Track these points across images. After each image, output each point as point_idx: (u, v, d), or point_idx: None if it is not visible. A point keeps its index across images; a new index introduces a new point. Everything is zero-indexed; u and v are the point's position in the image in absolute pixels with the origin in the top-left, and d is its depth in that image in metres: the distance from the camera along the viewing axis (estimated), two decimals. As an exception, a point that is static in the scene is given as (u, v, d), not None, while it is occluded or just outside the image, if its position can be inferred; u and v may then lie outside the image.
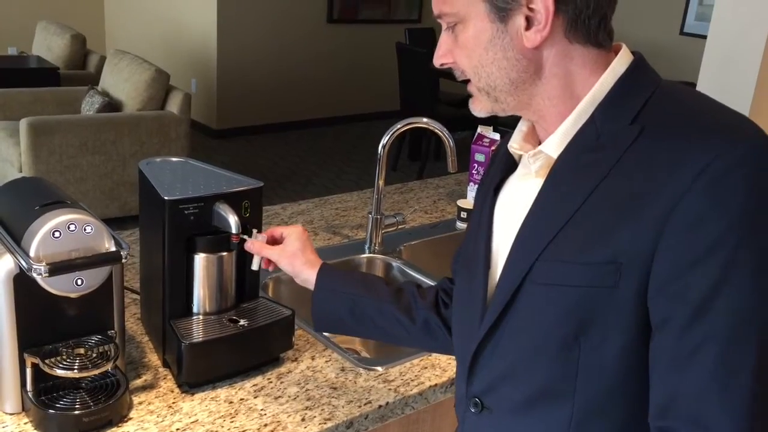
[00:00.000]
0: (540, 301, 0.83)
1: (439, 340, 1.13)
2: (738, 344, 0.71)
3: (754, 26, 2.24)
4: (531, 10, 0.80)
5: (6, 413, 1.13)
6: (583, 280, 0.78)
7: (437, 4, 0.88)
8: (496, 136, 2.08)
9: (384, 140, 1.80)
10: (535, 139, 0.93)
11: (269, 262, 1.24)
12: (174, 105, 4.28)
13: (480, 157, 2.08)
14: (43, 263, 1.03)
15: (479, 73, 0.86)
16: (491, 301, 0.89)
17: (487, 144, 2.08)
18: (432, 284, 1.26)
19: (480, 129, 2.12)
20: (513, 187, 0.94)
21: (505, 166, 0.96)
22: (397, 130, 1.79)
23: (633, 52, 0.86)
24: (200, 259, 1.27)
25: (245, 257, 1.32)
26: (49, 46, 5.40)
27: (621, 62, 0.84)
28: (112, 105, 4.27)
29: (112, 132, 4.04)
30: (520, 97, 0.86)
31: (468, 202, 2.07)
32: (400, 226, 1.88)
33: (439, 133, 1.79)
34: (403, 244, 1.89)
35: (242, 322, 1.28)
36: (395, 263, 1.80)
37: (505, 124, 5.31)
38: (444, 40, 0.89)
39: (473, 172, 2.11)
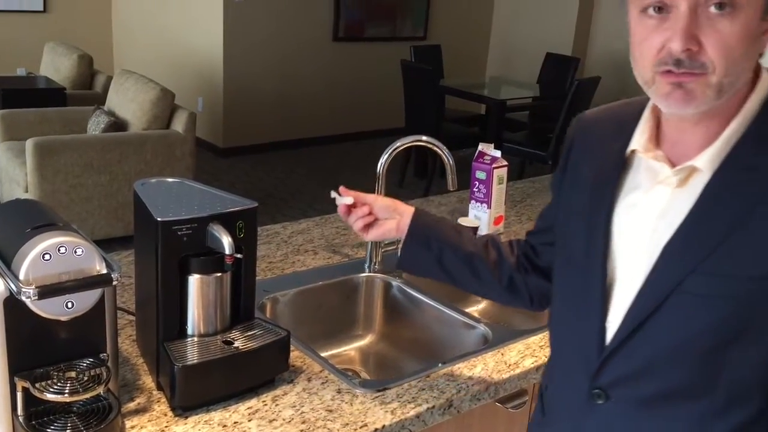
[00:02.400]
0: (689, 311, 0.86)
1: (520, 298, 1.23)
2: None
3: None
4: None
5: (-4, 438, 1.12)
6: (743, 293, 0.83)
7: None
8: (497, 154, 2.07)
9: (383, 158, 1.79)
10: (654, 143, 0.93)
11: (366, 227, 1.29)
12: (179, 124, 4.29)
13: (481, 175, 2.07)
14: (33, 286, 1.02)
15: (732, 71, 0.82)
16: (628, 309, 0.91)
17: (488, 161, 2.06)
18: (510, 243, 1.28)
19: (481, 146, 2.11)
20: (640, 193, 0.94)
21: (610, 161, 0.97)
22: (397, 148, 1.78)
23: None
24: (194, 281, 1.26)
25: (240, 278, 1.31)
26: (56, 66, 5.44)
27: (764, 83, 0.87)
28: (117, 124, 4.28)
29: (118, 151, 4.05)
30: (724, 101, 0.85)
31: (469, 220, 2.05)
32: (400, 245, 1.86)
33: (439, 151, 1.78)
34: (403, 263, 1.87)
35: (237, 343, 1.27)
36: (395, 282, 1.79)
37: (510, 141, 5.30)
38: (695, 20, 0.80)
39: (474, 189, 2.10)
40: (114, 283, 1.10)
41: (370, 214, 1.30)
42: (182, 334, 1.28)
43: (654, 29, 0.83)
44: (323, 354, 1.71)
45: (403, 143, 1.78)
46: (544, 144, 5.23)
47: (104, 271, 1.10)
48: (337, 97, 6.93)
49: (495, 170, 2.04)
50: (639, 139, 0.94)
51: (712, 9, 0.79)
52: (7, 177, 4.27)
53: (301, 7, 6.48)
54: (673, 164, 0.91)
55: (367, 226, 1.30)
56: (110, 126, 4.23)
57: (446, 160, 1.78)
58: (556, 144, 5.07)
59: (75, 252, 1.07)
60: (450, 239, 1.25)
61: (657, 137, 0.94)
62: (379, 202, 1.31)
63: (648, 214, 0.92)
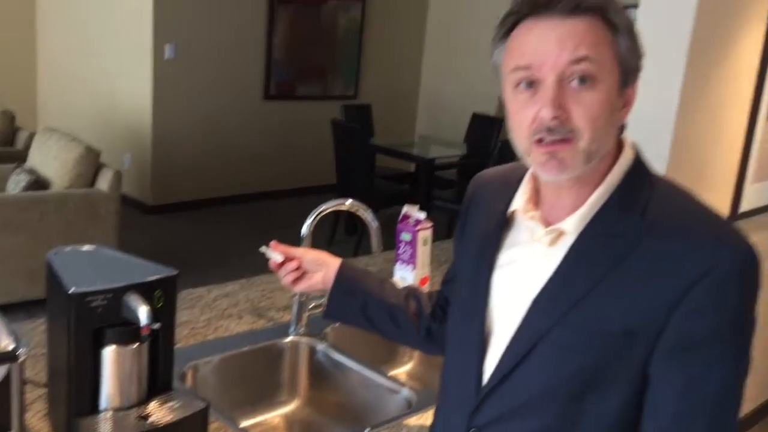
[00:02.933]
0: (553, 360, 0.95)
1: (438, 347, 1.27)
2: (721, 412, 0.90)
3: (664, 103, 2.36)
4: (632, 92, 0.93)
5: None
6: (599, 346, 0.91)
7: (580, 47, 0.88)
8: (422, 215, 2.10)
9: (308, 222, 1.80)
10: (533, 204, 1.02)
11: (295, 281, 1.37)
12: (104, 182, 4.20)
13: (406, 237, 2.09)
14: (-69, 365, 0.98)
15: (596, 137, 0.90)
16: (501, 357, 0.99)
17: (413, 223, 2.09)
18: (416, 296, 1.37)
19: (406, 208, 2.14)
20: (518, 250, 1.03)
21: (494, 220, 1.06)
22: (321, 212, 1.79)
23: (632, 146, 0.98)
24: (109, 353, 1.22)
25: (157, 349, 1.28)
26: (-24, 123, 5.29)
27: (626, 157, 0.96)
28: (39, 183, 4.17)
29: (38, 211, 3.93)
30: (589, 169, 0.94)
31: (396, 281, 2.07)
32: (327, 296, 1.85)
33: (362, 216, 1.80)
34: (329, 326, 1.86)
35: (153, 418, 1.23)
36: (320, 346, 1.77)
37: (439, 198, 5.39)
38: (561, 92, 0.89)
39: (400, 251, 2.12)
40: (20, 360, 1.05)
41: (299, 268, 1.37)
42: (95, 409, 1.23)
43: (526, 103, 0.92)
44: (248, 422, 1.68)
45: (327, 207, 1.79)
46: (472, 201, 5.32)
47: (11, 347, 1.05)
48: (268, 154, 6.94)
49: (419, 232, 2.07)
50: (519, 201, 1.03)
51: (575, 83, 0.89)
52: None
53: (233, 65, 6.51)
54: (548, 224, 0.99)
55: (296, 280, 1.37)
56: (31, 184, 4.11)
57: (370, 224, 1.80)
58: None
59: (-21, 327, 1.03)
60: (373, 290, 1.33)
61: (536, 199, 1.02)
62: (307, 255, 1.38)
63: (523, 270, 1.01)
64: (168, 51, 6.02)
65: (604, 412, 0.93)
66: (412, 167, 6.42)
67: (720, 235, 0.91)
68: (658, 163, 2.36)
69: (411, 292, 1.35)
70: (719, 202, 2.68)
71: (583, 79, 0.88)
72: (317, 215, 1.78)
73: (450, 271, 1.28)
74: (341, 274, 1.34)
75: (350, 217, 5.97)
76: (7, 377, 1.08)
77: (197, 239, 5.70)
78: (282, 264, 1.37)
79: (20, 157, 4.82)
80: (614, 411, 0.93)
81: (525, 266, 1.01)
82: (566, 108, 0.89)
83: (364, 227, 1.77)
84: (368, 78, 7.52)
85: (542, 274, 0.97)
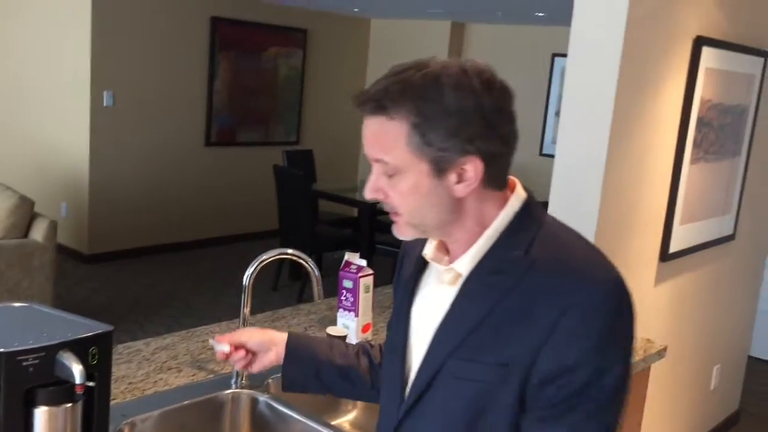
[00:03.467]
0: (450, 390, 1.04)
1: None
2: (593, 424, 0.98)
3: (594, 149, 2.45)
4: (463, 170, 1.00)
5: None
6: (482, 376, 1.00)
7: (375, 151, 1.02)
8: (363, 263, 2.11)
9: (249, 271, 1.80)
10: (444, 248, 1.12)
11: (247, 365, 1.41)
12: (38, 232, 4.10)
13: (348, 284, 2.10)
14: None
15: (413, 214, 1.04)
16: (411, 386, 1.10)
17: (355, 270, 2.10)
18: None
19: (347, 256, 2.15)
20: (429, 290, 1.14)
21: (418, 266, 1.16)
22: (262, 261, 1.79)
23: (524, 188, 1.09)
24: (41, 413, 1.18)
25: (92, 408, 1.25)
26: None
27: (517, 199, 1.07)
28: (-31, 234, 4.03)
29: (-32, 265, 3.80)
30: (444, 230, 1.07)
31: (338, 329, 2.06)
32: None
33: (305, 264, 1.80)
34: (271, 377, 1.84)
35: (87, 479, 1.19)
36: (262, 398, 1.75)
37: (382, 243, 5.42)
38: (378, 178, 1.04)
39: (342, 298, 2.12)
40: (-54, 424, 1.02)
41: (247, 353, 1.41)
42: (26, 472, 1.19)
43: None
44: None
45: (268, 256, 1.79)
46: (415, 245, 5.37)
47: (-64, 412, 1.02)
48: (210, 200, 6.88)
49: (361, 279, 2.09)
50: (429, 247, 1.13)
51: (385, 176, 1.03)
52: None
53: (173, 112, 6.47)
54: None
55: (248, 363, 1.41)
56: (-39, 236, 3.97)
57: (312, 272, 1.81)
58: (426, 244, 5.22)
59: None
60: (323, 356, 1.38)
61: (446, 247, 1.12)
62: (252, 338, 1.41)
63: (431, 308, 1.11)
64: (106, 98, 5.95)
65: None
66: (355, 212, 6.45)
67: (591, 268, 1.01)
68: (591, 207, 2.45)
69: (360, 348, 1.41)
70: (649, 244, 2.77)
71: (387, 173, 1.02)
72: (258, 264, 1.78)
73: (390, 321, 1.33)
74: (290, 349, 1.38)
75: (293, 262, 5.94)
76: (-68, 443, 1.04)
77: (134, 289, 5.57)
78: (230, 354, 1.40)
79: (-50, 208, 4.67)
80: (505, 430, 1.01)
81: (432, 305, 1.11)
82: (385, 191, 1.04)
83: (308, 273, 1.78)
84: (310, 123, 7.57)
85: (443, 312, 1.07)
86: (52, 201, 6.08)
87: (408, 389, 1.11)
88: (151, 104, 6.29)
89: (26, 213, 4.10)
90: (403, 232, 1.07)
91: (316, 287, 1.83)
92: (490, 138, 0.99)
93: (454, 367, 1.03)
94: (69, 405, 1.20)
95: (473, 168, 1.00)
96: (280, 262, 5.77)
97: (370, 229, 5.53)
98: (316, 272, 1.82)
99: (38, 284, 4.06)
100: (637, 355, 2.31)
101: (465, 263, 1.06)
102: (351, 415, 1.97)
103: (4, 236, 4.01)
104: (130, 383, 1.77)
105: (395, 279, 1.26)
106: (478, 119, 0.98)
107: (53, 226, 4.14)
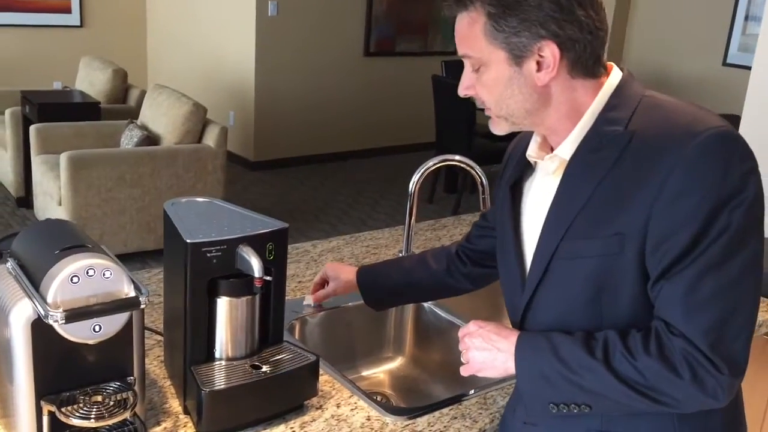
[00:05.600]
0: (567, 271, 1.06)
1: (463, 288, 1.51)
2: (716, 273, 0.96)
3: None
4: (541, 56, 1.02)
5: (22, 462, 1.10)
6: (598, 250, 1.02)
7: (462, 47, 1.07)
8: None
9: (415, 178, 1.77)
10: (547, 147, 1.14)
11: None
12: (211, 138, 4.32)
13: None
14: (60, 310, 1.01)
15: (499, 105, 1.07)
16: (528, 274, 1.13)
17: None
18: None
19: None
20: (536, 185, 1.16)
21: (521, 167, 1.19)
22: (429, 167, 1.76)
23: (622, 69, 1.09)
24: (223, 303, 1.23)
25: (269, 301, 1.29)
26: (91, 80, 5.52)
27: (612, 80, 1.07)
28: (150, 139, 4.32)
29: (150, 165, 4.09)
30: (533, 120, 1.09)
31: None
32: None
33: (471, 170, 1.75)
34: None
35: (265, 368, 1.24)
36: (426, 304, 1.75)
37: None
38: (467, 76, 1.09)
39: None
40: (142, 306, 1.08)
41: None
42: (210, 357, 1.25)
43: None
44: (352, 377, 1.69)
45: (435, 163, 1.75)
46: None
47: (132, 294, 1.08)
48: (367, 111, 6.94)
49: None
50: (532, 146, 1.16)
51: (473, 71, 1.08)
52: (41, 190, 4.33)
53: (333, 23, 6.50)
54: None
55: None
56: (143, 140, 4.27)
57: (479, 179, 1.75)
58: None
59: (104, 275, 1.05)
60: (395, 277, 1.54)
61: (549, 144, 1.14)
62: (334, 271, 1.66)
63: (539, 201, 1.13)
64: (271, 8, 6.08)
65: (618, 310, 1.03)
66: (513, 125, 6.25)
67: (694, 124, 0.98)
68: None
69: (428, 255, 1.53)
70: None
71: (473, 68, 1.07)
72: (425, 171, 1.74)
73: (486, 217, 1.46)
74: (361, 279, 1.56)
75: (450, 175, 5.91)
76: (129, 324, 1.11)
77: (296, 196, 5.79)
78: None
79: (131, 114, 5.01)
80: (626, 308, 1.03)
81: (539, 198, 1.13)
82: (473, 86, 1.08)
83: (464, 185, 1.72)
84: (469, 33, 7.34)
85: (550, 200, 1.09)
86: (220, 110, 6.38)
87: (526, 281, 1.14)
88: (313, 14, 6.35)
89: (199, 120, 4.32)
90: (496, 126, 1.11)
91: (482, 196, 1.78)
92: (565, 22, 1.00)
93: (568, 248, 1.05)
94: (248, 297, 1.25)
95: (550, 53, 1.01)
96: (435, 175, 5.76)
97: (530, 142, 5.35)
98: (484, 180, 1.76)
99: (210, 187, 4.30)
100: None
101: (566, 148, 1.07)
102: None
103: (180, 141, 4.26)
104: (299, 282, 1.82)
105: (497, 183, 1.28)
106: (550, 3, 0.99)
107: (224, 133, 4.34)
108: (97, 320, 1.05)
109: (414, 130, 7.11)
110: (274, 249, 1.25)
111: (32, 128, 4.51)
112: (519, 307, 1.15)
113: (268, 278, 1.22)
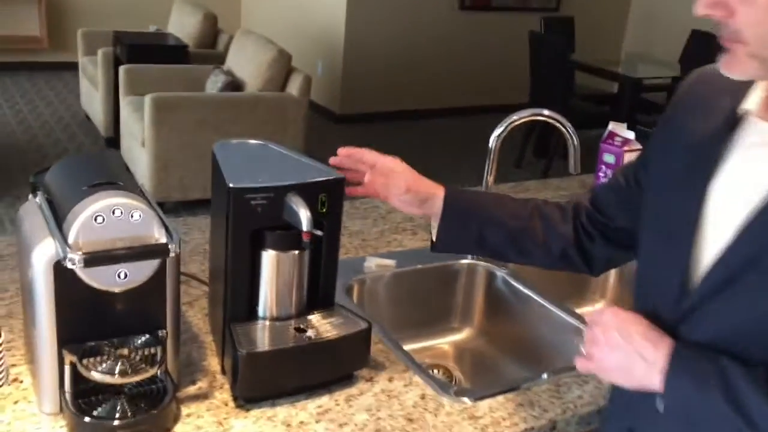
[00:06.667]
0: (763, 292, 0.79)
1: (575, 266, 1.14)
2: None
3: None
4: None
5: (44, 413, 1.02)
6: None
7: None
8: (630, 135, 1.80)
9: (496, 132, 1.60)
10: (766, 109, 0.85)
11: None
12: (294, 87, 4.21)
13: (609, 158, 1.82)
14: (80, 252, 0.91)
15: (765, 39, 0.77)
16: (703, 279, 0.85)
17: (619, 144, 1.80)
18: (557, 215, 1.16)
19: (612, 126, 1.85)
20: (741, 158, 0.86)
21: (726, 127, 0.88)
22: (513, 122, 1.57)
23: None
24: (268, 257, 1.11)
25: (320, 258, 1.15)
26: (182, 24, 5.51)
27: None
28: (234, 84, 4.26)
29: (232, 111, 4.03)
30: None
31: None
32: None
33: (562, 128, 1.55)
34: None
35: (310, 332, 1.11)
36: (500, 273, 1.59)
37: (643, 124, 4.89)
38: None
39: (600, 174, 1.85)
40: (172, 254, 0.96)
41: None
42: (252, 315, 1.14)
43: None
44: (414, 345, 1.55)
45: (521, 117, 1.57)
46: (680, 129, 4.79)
47: (163, 240, 0.97)
48: (460, 68, 6.68)
49: (626, 154, 1.78)
50: (754, 99, 0.86)
51: None
52: (127, 131, 4.35)
53: (429, -27, 6.26)
54: None
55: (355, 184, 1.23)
56: (227, 86, 4.21)
57: (570, 139, 1.55)
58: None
59: (131, 216, 0.94)
60: (491, 217, 1.14)
61: None
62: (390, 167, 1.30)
63: (748, 180, 0.84)
64: (365, -45, 5.89)
65: None
66: (614, 87, 5.89)
67: None
68: None
69: (535, 209, 1.15)
70: None
71: None
72: (508, 125, 1.56)
73: (626, 175, 1.07)
74: (449, 204, 1.15)
75: (541, 137, 5.62)
76: (161, 272, 1.00)
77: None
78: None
79: (220, 58, 4.97)
80: None
81: (751, 176, 0.84)
82: (732, 5, 0.77)
83: (556, 150, 1.53)
84: (573, -11, 6.94)
85: (764, 180, 0.81)
86: (308, 59, 6.27)
87: (695, 283, 0.86)
88: (408, -37, 6.12)
89: (283, 67, 4.22)
90: (736, 67, 0.80)
91: (573, 157, 1.58)
92: None
93: None
94: (296, 252, 1.12)
95: None
96: (525, 137, 5.49)
97: (631, 107, 5.01)
98: (575, 140, 1.56)
99: (291, 137, 4.21)
100: None
101: None
102: (599, 305, 1.74)
103: (263, 88, 4.18)
104: (364, 240, 1.69)
105: (657, 131, 1.00)
106: None
107: (307, 82, 4.22)
108: (122, 266, 0.94)
109: (507, 90, 6.80)
110: (327, 201, 1.11)
111: (121, 69, 4.53)
112: (670, 316, 0.88)
113: (317, 232, 1.08)
